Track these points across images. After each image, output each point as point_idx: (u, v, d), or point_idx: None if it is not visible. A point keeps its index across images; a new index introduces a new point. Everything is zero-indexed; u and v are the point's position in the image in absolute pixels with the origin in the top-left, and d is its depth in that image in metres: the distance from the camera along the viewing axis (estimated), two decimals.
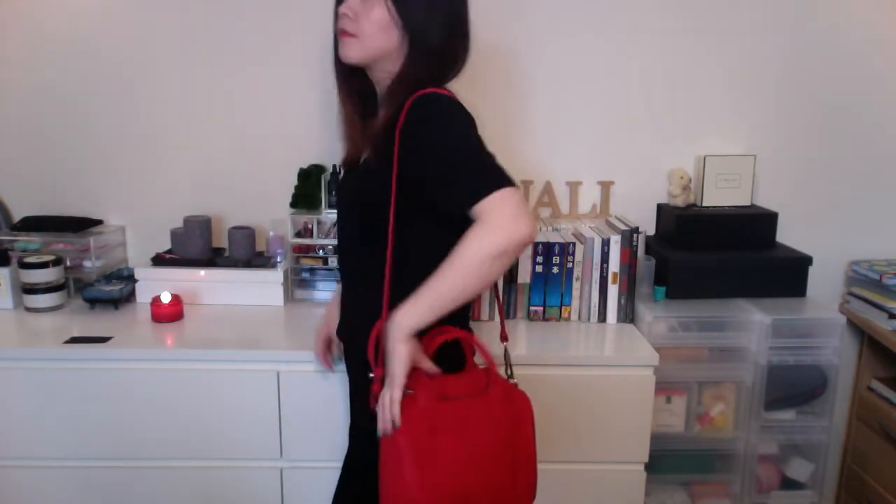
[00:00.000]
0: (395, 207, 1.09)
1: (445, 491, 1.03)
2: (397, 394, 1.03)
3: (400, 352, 1.03)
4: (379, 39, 1.10)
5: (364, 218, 1.14)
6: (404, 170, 1.07)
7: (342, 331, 1.29)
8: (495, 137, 1.19)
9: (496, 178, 1.02)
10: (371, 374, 1.09)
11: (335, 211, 1.64)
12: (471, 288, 1.03)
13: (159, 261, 1.75)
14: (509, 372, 1.20)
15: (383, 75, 1.14)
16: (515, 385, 1.17)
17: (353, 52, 1.11)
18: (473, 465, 1.05)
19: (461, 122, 1.07)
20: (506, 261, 1.02)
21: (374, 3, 1.08)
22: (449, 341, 1.08)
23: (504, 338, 1.27)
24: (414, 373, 1.05)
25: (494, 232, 1.00)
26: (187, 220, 1.75)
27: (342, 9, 1.10)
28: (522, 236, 1.00)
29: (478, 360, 1.15)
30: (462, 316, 1.16)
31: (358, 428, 1.27)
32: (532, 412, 1.14)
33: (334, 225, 1.76)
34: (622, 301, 1.65)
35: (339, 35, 1.13)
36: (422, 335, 1.06)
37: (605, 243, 1.63)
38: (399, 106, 1.08)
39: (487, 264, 1.00)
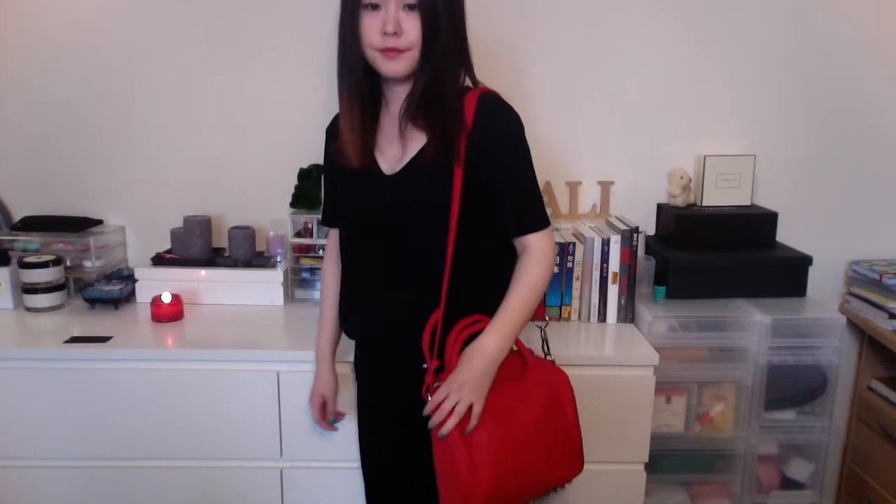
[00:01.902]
0: (460, 208, 1.13)
1: (493, 480, 1.09)
2: (478, 408, 1.11)
3: (489, 378, 1.12)
4: (420, 50, 1.09)
5: (419, 219, 1.16)
6: (476, 169, 1.12)
7: (378, 328, 1.25)
8: None
9: (545, 214, 1.19)
10: (425, 365, 1.13)
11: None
12: (531, 313, 1.17)
13: (159, 261, 1.75)
14: (546, 349, 1.25)
15: (408, 79, 1.13)
16: (552, 363, 1.23)
17: (402, 67, 1.10)
18: (513, 450, 1.12)
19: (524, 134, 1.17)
20: None
21: (414, 15, 1.07)
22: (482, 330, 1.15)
23: (541, 315, 1.25)
24: (451, 364, 1.13)
25: (550, 267, 1.17)
26: (187, 220, 1.75)
27: (386, 27, 1.07)
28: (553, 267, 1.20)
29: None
30: (496, 303, 1.17)
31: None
32: (570, 390, 1.21)
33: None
34: (622, 301, 1.65)
35: (377, 50, 1.09)
36: (452, 324, 1.13)
37: (605, 243, 1.63)
38: (454, 107, 1.11)
39: (542, 294, 1.17)
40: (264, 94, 1.81)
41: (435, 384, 1.13)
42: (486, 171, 1.13)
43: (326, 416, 1.40)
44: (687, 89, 1.82)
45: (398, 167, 1.17)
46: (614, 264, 1.63)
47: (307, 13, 1.76)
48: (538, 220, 1.17)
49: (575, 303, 1.67)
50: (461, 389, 1.10)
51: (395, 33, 1.07)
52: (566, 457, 1.19)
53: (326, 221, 1.36)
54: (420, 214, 1.16)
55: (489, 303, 1.16)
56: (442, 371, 1.13)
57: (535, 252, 1.16)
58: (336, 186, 1.30)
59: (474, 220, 1.15)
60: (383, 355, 1.25)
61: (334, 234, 1.35)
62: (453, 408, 1.09)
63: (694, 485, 1.71)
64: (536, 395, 1.17)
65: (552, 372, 1.21)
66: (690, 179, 1.82)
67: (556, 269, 1.21)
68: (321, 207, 1.76)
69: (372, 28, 1.08)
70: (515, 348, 1.19)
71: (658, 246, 1.77)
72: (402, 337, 1.17)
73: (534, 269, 1.15)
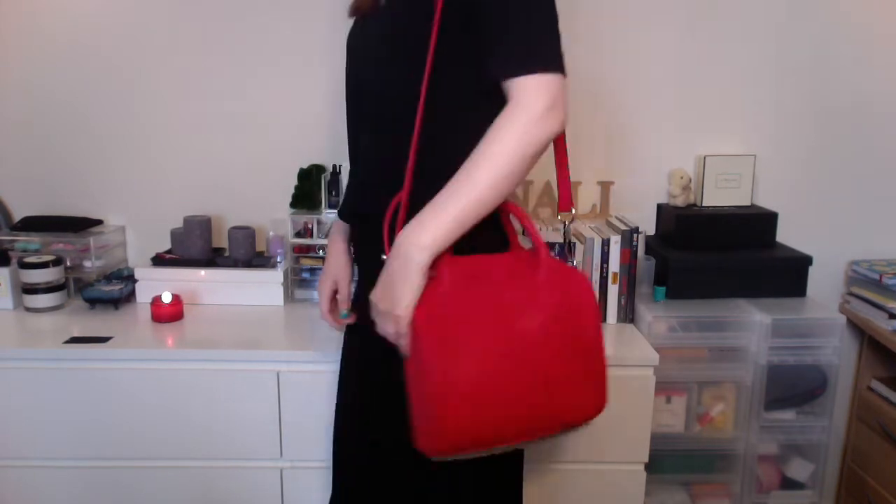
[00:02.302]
0: (435, 47, 0.92)
1: (471, 384, 0.87)
2: (404, 326, 0.89)
3: (415, 281, 0.88)
4: None
5: (394, 61, 0.97)
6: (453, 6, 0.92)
7: (352, 204, 1.09)
8: None
9: (556, 57, 0.88)
10: (384, 257, 0.95)
11: (335, 211, 1.64)
12: (503, 193, 0.88)
13: (159, 261, 1.75)
14: (568, 250, 1.10)
15: None
16: (573, 268, 0.98)
17: None
18: (510, 355, 0.88)
19: None
20: (539, 156, 0.90)
21: None
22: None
23: (565, 206, 1.03)
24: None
25: (527, 129, 0.86)
26: (187, 220, 1.75)
27: None
28: (555, 130, 0.88)
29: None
30: None
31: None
32: (592, 298, 0.95)
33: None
34: (622, 301, 1.65)
35: None
36: (423, 205, 0.90)
37: (605, 243, 1.63)
38: None
39: (526, 164, 0.87)
40: (264, 94, 1.81)
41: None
42: None
43: (337, 307, 1.23)
44: (687, 89, 1.82)
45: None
46: (614, 264, 1.63)
47: (307, 13, 1.76)
48: (530, 58, 0.88)
49: None
50: (376, 297, 0.91)
51: None
52: (582, 384, 0.93)
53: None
54: (387, 51, 0.97)
55: None
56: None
57: (511, 104, 0.88)
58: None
59: (456, 62, 0.93)
60: (358, 241, 1.10)
61: None
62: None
63: (694, 485, 1.71)
64: (545, 300, 0.92)
65: (570, 275, 0.95)
66: (690, 179, 1.82)
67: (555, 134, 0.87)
68: (321, 207, 1.76)
69: None
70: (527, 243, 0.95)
71: (658, 246, 1.77)
72: (367, 219, 1.01)
73: (498, 128, 0.87)
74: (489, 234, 0.99)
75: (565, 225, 1.07)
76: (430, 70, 0.93)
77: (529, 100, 0.87)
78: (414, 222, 0.89)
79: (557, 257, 0.98)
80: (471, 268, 0.93)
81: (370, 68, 1.03)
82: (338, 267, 1.25)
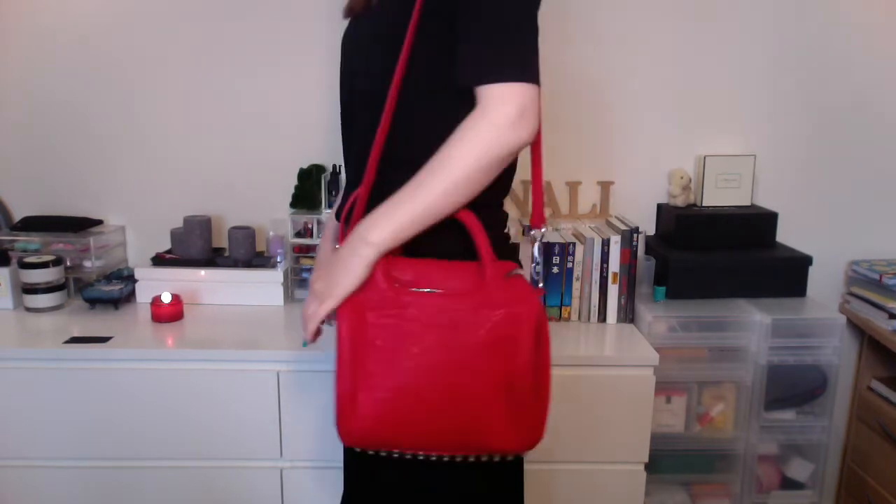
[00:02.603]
0: (413, 46, 0.90)
1: (383, 389, 0.87)
2: (325, 309, 0.89)
3: (357, 272, 0.88)
4: None
5: (383, 61, 0.94)
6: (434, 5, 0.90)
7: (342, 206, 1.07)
8: None
9: (528, 66, 0.85)
10: (338, 246, 0.96)
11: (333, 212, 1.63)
12: (458, 200, 0.87)
13: (159, 261, 1.75)
14: (536, 272, 1.02)
15: None
16: (528, 284, 0.93)
17: None
18: (424, 372, 0.86)
19: None
20: (501, 166, 0.88)
21: None
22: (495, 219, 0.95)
23: (537, 221, 1.01)
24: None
25: (489, 136, 0.84)
26: (187, 220, 1.75)
27: None
28: (521, 140, 0.86)
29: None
30: (504, 189, 0.98)
31: None
32: (532, 324, 0.89)
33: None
34: (622, 301, 1.65)
35: None
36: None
37: (605, 243, 1.63)
38: None
39: (484, 173, 0.86)
40: (264, 95, 1.81)
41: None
42: None
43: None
44: (687, 89, 1.82)
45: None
46: (614, 264, 1.63)
47: (307, 13, 1.76)
48: (499, 65, 0.85)
49: (575, 303, 1.67)
50: (315, 276, 0.91)
51: None
52: (506, 414, 0.89)
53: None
54: (377, 51, 0.95)
55: None
56: None
57: (475, 111, 0.85)
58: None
59: (435, 63, 0.91)
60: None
61: None
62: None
63: (694, 485, 1.71)
64: (482, 319, 0.87)
65: (519, 293, 0.90)
66: (690, 179, 1.82)
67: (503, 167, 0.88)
68: (321, 206, 1.76)
69: None
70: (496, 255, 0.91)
71: (658, 246, 1.77)
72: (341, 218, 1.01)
73: (459, 135, 0.85)
74: (453, 239, 0.95)
75: (537, 240, 1.03)
76: (405, 67, 0.91)
77: (495, 108, 0.85)
78: (370, 217, 0.89)
79: (520, 273, 0.94)
80: (414, 272, 0.91)
81: (361, 68, 1.03)
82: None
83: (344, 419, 0.90)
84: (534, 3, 0.90)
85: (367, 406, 0.88)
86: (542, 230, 1.02)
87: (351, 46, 1.07)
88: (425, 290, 0.90)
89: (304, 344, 0.96)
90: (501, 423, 0.89)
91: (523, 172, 1.82)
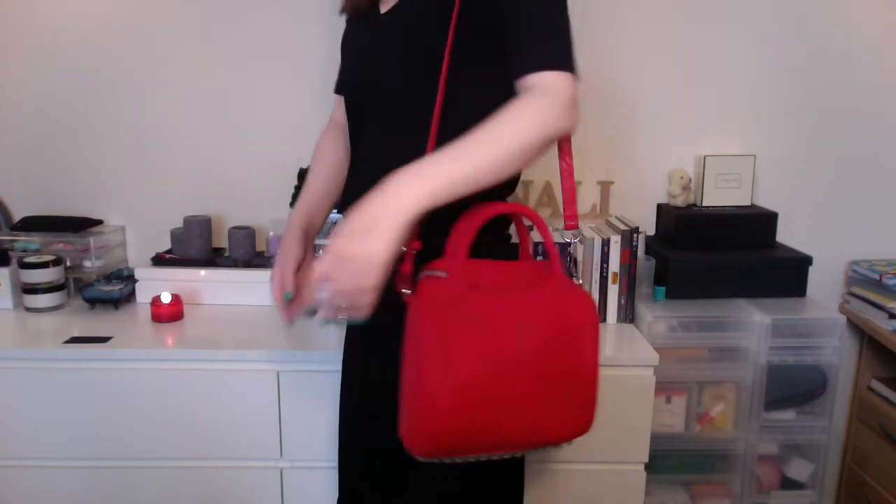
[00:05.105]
0: (452, 48, 0.92)
1: (465, 390, 0.86)
2: (375, 279, 0.81)
3: (401, 227, 0.81)
4: None
5: (412, 63, 0.96)
6: (473, 8, 0.93)
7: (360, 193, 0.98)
8: None
9: (574, 60, 0.91)
10: (403, 248, 0.90)
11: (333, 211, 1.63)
12: (506, 168, 0.85)
13: (159, 261, 1.75)
14: (572, 270, 1.05)
15: None
16: (579, 286, 0.98)
17: None
18: (498, 371, 0.87)
19: None
20: (547, 148, 0.89)
21: None
22: (494, 217, 0.92)
23: (570, 225, 1.03)
24: (450, 252, 0.90)
25: (555, 110, 0.87)
26: (187, 220, 1.75)
27: None
28: (570, 127, 0.90)
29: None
30: (510, 185, 0.98)
31: None
32: (595, 317, 0.94)
33: (334, 224, 1.76)
34: (622, 301, 1.65)
35: None
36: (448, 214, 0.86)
37: (605, 243, 1.63)
38: None
39: (534, 150, 0.86)
40: (264, 94, 1.81)
41: (426, 274, 0.90)
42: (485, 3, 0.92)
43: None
44: (687, 89, 1.82)
45: (393, 3, 1.00)
46: (614, 264, 1.63)
47: (307, 13, 1.76)
48: (557, 55, 0.90)
49: None
50: (340, 242, 0.82)
51: None
52: (570, 404, 0.93)
53: (336, 89, 1.20)
54: (407, 58, 0.97)
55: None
56: (436, 257, 0.92)
57: (533, 91, 0.88)
58: (343, 43, 1.13)
59: (472, 68, 0.95)
60: None
61: (339, 101, 1.21)
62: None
63: (694, 485, 1.71)
64: (547, 316, 0.91)
65: (575, 292, 0.94)
66: (690, 179, 1.82)
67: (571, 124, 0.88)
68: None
69: None
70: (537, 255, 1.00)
71: (658, 246, 1.77)
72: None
73: (518, 108, 0.86)
74: (501, 240, 1.01)
75: (570, 243, 1.06)
76: (447, 72, 0.93)
77: (556, 90, 0.88)
78: (411, 170, 0.83)
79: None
80: (478, 272, 0.92)
81: (383, 69, 1.02)
82: (286, 258, 1.15)
83: (423, 425, 0.87)
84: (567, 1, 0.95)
85: (446, 411, 0.86)
86: (577, 232, 1.05)
87: (368, 46, 1.05)
88: (496, 288, 0.90)
89: (329, 322, 0.87)
90: (563, 414, 0.92)
91: (523, 173, 1.82)
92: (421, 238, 0.92)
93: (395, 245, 0.81)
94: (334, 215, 1.59)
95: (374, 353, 1.08)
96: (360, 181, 1.09)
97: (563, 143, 1.03)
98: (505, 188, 1.04)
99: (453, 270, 0.90)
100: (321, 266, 0.83)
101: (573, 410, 0.94)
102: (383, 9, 1.02)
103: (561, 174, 1.04)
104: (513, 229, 1.10)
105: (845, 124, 1.84)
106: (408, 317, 0.91)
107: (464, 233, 0.90)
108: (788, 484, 1.72)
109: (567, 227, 1.04)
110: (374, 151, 1.05)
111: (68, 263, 1.74)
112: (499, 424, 0.88)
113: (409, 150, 0.93)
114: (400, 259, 0.90)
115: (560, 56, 0.91)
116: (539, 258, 1.09)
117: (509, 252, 1.07)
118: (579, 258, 1.64)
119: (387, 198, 0.82)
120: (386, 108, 1.02)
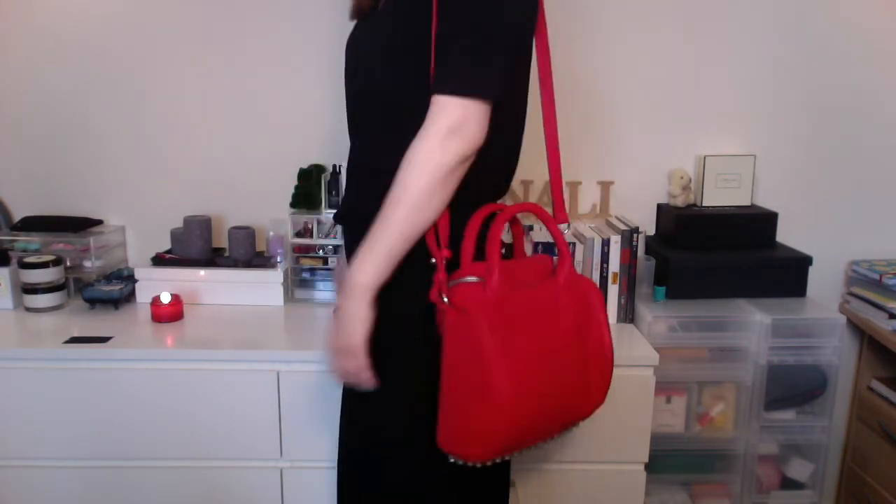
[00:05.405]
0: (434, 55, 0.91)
1: (528, 386, 0.92)
2: (362, 357, 0.94)
3: (364, 315, 0.92)
4: None
5: (388, 64, 0.97)
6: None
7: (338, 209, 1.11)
8: None
9: (477, 79, 0.86)
10: (433, 260, 0.94)
11: (334, 211, 1.64)
12: (425, 218, 0.90)
13: (159, 261, 1.75)
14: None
15: None
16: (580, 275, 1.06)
17: None
18: (549, 360, 0.94)
19: None
20: (454, 177, 0.89)
21: None
22: (486, 216, 0.97)
23: (562, 218, 1.09)
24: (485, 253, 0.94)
25: (437, 142, 0.86)
26: (187, 220, 1.75)
27: None
28: (458, 153, 0.87)
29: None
30: (506, 182, 1.02)
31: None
32: (601, 295, 1.03)
33: (334, 225, 1.76)
34: (622, 301, 1.65)
35: None
36: (466, 209, 0.93)
37: (605, 243, 1.63)
38: None
39: (439, 188, 0.88)
40: (264, 94, 1.81)
41: (457, 282, 0.93)
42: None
43: None
44: (687, 89, 1.82)
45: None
46: (614, 264, 1.63)
47: (308, 13, 1.76)
48: (454, 80, 0.86)
49: None
50: (331, 339, 0.97)
51: None
52: (590, 384, 1.00)
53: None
54: (382, 54, 0.97)
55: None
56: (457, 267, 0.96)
57: (429, 114, 0.87)
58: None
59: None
60: (345, 243, 1.12)
61: None
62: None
63: (694, 485, 1.71)
64: (568, 303, 0.99)
65: (581, 278, 1.03)
66: (690, 179, 1.82)
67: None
68: (321, 206, 1.76)
69: None
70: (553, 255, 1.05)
71: (658, 246, 1.77)
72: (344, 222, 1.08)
73: (409, 154, 0.87)
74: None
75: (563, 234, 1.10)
76: (425, 74, 0.92)
77: (431, 120, 0.88)
78: (356, 263, 0.93)
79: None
80: (509, 273, 0.96)
81: (362, 70, 1.03)
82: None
83: (488, 421, 0.90)
84: (508, 17, 0.90)
85: (513, 397, 0.89)
86: (568, 224, 1.11)
87: (355, 48, 1.06)
88: (524, 283, 0.96)
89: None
90: (590, 390, 1.00)
91: (523, 172, 1.82)
92: (448, 246, 0.95)
93: (367, 326, 0.94)
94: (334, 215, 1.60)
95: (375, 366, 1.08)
96: (347, 186, 1.11)
97: (549, 150, 1.08)
98: (483, 192, 1.03)
99: (488, 273, 0.93)
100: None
101: (595, 386, 1.01)
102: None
103: (550, 180, 1.12)
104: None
105: (845, 124, 1.84)
106: (447, 325, 0.93)
107: (472, 231, 0.95)
108: (788, 484, 1.72)
109: (558, 222, 1.10)
110: (355, 152, 1.07)
111: (68, 263, 1.74)
112: (550, 410, 0.95)
113: (376, 151, 0.98)
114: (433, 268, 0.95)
115: (452, 77, 0.87)
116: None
117: (507, 251, 1.09)
118: (578, 258, 1.64)
119: (348, 297, 0.93)
120: (362, 108, 1.04)
